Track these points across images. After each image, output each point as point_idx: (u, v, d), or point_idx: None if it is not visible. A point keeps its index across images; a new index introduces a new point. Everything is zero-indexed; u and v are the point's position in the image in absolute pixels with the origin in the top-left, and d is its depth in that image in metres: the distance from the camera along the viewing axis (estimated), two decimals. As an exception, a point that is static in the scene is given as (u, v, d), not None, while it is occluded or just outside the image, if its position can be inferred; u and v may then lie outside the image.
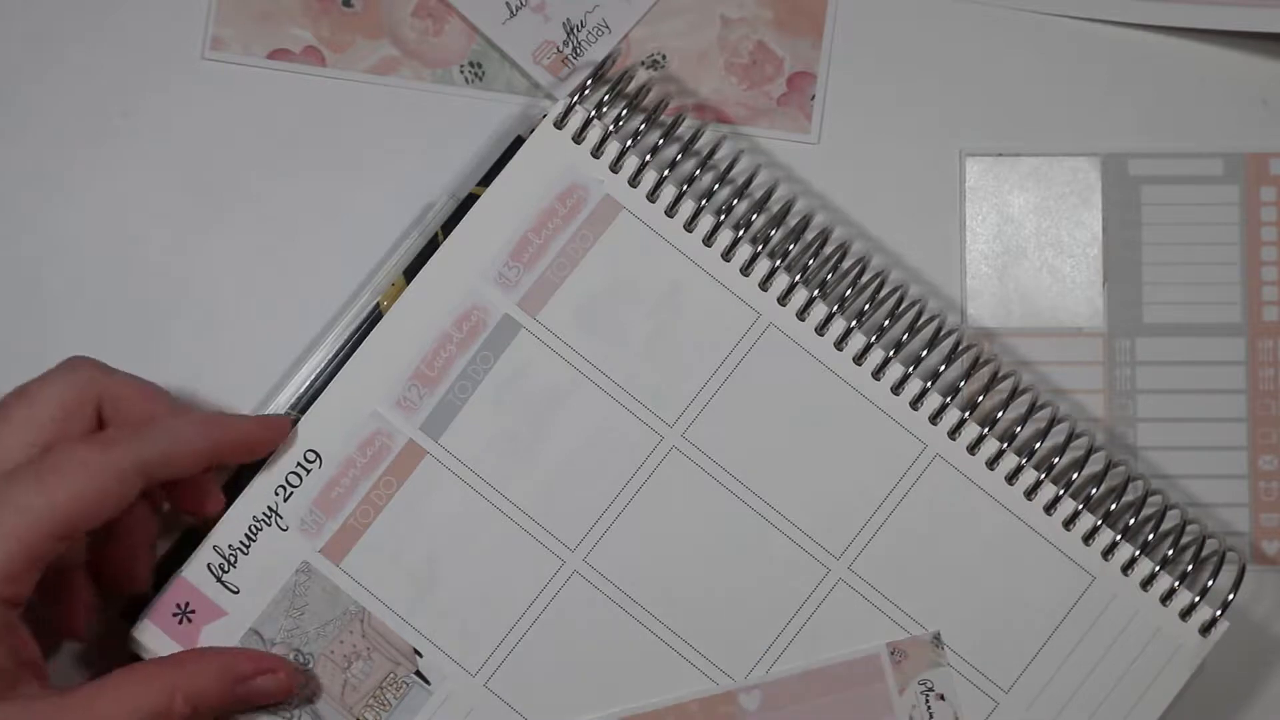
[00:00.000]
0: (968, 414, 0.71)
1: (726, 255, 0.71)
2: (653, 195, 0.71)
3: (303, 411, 0.71)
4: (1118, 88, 0.75)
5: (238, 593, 0.70)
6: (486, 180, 0.72)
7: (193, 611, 0.69)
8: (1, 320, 0.73)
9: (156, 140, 0.74)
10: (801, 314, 0.71)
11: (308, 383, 0.71)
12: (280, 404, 0.71)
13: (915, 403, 0.71)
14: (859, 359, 0.71)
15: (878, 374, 0.71)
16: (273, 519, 0.70)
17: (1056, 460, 0.71)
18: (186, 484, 0.69)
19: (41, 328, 0.73)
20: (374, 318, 0.71)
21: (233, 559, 0.70)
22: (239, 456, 0.70)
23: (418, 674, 0.70)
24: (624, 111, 0.72)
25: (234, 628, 0.69)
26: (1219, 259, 0.75)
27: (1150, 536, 0.70)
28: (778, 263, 0.71)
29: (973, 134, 0.75)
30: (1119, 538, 0.70)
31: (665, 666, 0.70)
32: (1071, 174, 0.75)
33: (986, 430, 0.71)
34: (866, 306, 0.72)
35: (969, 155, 0.75)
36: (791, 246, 0.72)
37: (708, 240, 0.71)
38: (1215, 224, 0.75)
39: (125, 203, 0.74)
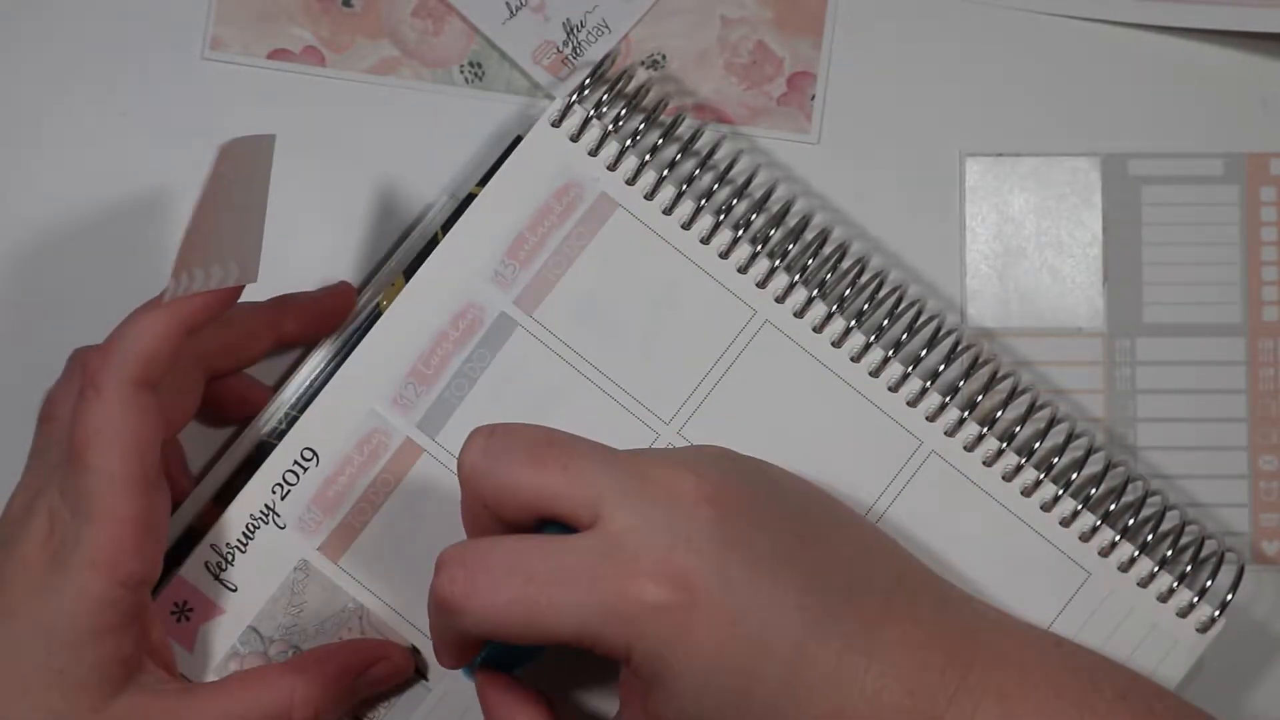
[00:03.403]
0: (967, 413, 0.71)
1: (724, 254, 0.71)
2: (650, 194, 0.71)
3: (302, 411, 0.71)
4: (1118, 88, 0.75)
5: (236, 590, 0.70)
6: (485, 180, 0.72)
7: (190, 610, 0.69)
8: (0, 319, 0.74)
9: (156, 140, 0.74)
10: (800, 313, 0.71)
11: (308, 382, 0.71)
12: (281, 403, 0.71)
13: (913, 401, 0.71)
14: (857, 358, 0.71)
15: (876, 373, 0.71)
16: (270, 517, 0.70)
17: (1056, 460, 0.71)
18: (227, 385, 0.71)
19: (40, 327, 0.73)
20: (374, 317, 0.71)
21: (230, 557, 0.70)
22: (306, 330, 0.71)
23: (415, 671, 0.70)
24: (623, 111, 0.72)
25: (232, 625, 0.69)
26: (1219, 259, 0.75)
27: (1150, 537, 0.70)
28: (776, 262, 0.71)
29: (973, 134, 0.75)
30: (1118, 537, 0.70)
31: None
32: (1071, 174, 0.75)
33: (986, 430, 0.71)
34: (866, 306, 0.72)
35: (969, 155, 0.75)
36: (791, 246, 0.72)
37: (705, 239, 0.71)
38: (1215, 224, 0.75)
39: (125, 202, 0.74)
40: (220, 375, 0.70)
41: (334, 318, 0.72)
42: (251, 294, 0.65)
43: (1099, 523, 0.70)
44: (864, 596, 0.61)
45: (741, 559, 0.59)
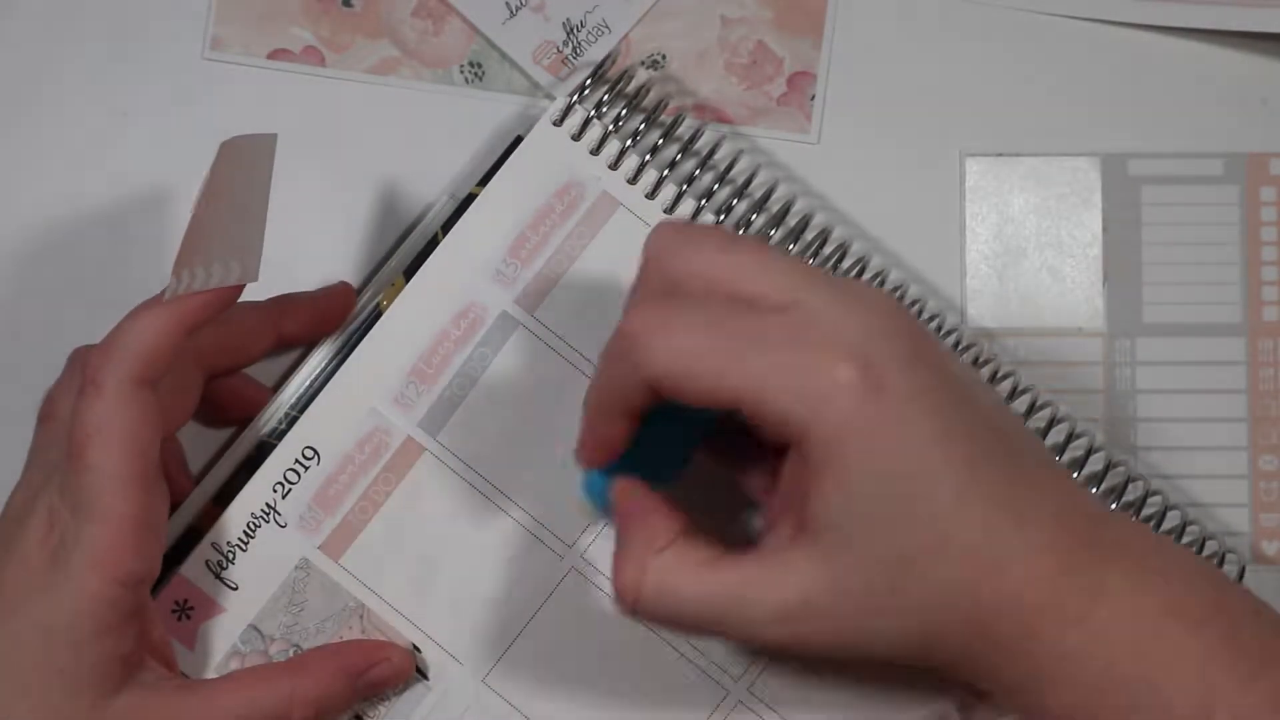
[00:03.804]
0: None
1: (725, 253, 0.71)
2: (651, 193, 0.71)
3: (302, 411, 0.71)
4: (1118, 88, 0.75)
5: (236, 589, 0.70)
6: (486, 180, 0.72)
7: (191, 608, 0.69)
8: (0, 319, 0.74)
9: (156, 140, 0.74)
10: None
11: (309, 382, 0.71)
12: (281, 403, 0.71)
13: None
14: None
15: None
16: (271, 516, 0.70)
17: (1056, 460, 0.71)
18: (227, 386, 0.71)
19: (39, 327, 0.73)
20: (374, 317, 0.71)
21: (231, 556, 0.70)
22: (305, 330, 0.71)
23: (416, 670, 0.70)
24: (623, 111, 0.72)
25: (233, 624, 0.69)
26: (1219, 259, 0.75)
27: (1150, 537, 0.70)
28: (777, 261, 0.71)
29: (973, 134, 0.75)
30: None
31: (665, 664, 0.70)
32: (1071, 174, 0.75)
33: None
34: (866, 306, 0.72)
35: (969, 155, 0.75)
36: (791, 246, 0.72)
37: (706, 237, 0.71)
38: (1215, 224, 0.75)
39: (125, 202, 0.74)
40: (219, 375, 0.70)
41: (334, 318, 0.72)
42: (251, 294, 0.65)
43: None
44: (1018, 466, 0.60)
45: (929, 374, 0.58)
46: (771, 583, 0.59)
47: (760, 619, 0.60)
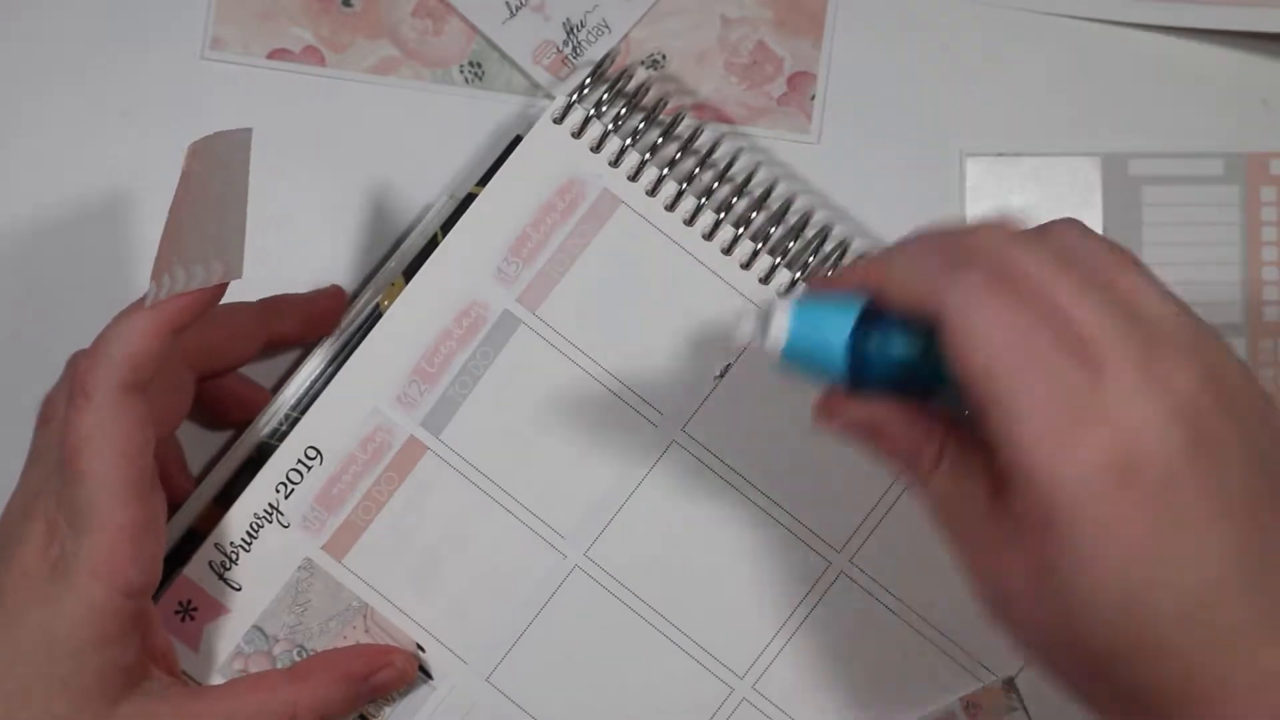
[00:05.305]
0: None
1: (727, 250, 0.71)
2: (652, 191, 0.71)
3: (304, 411, 0.71)
4: (1118, 88, 0.75)
5: (240, 590, 0.70)
6: (486, 180, 0.72)
7: (195, 609, 0.69)
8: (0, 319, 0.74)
9: (156, 140, 0.74)
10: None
11: (308, 384, 0.71)
12: (281, 405, 0.71)
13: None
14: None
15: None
16: (274, 516, 0.70)
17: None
18: (225, 387, 0.71)
19: (40, 327, 0.73)
20: (374, 318, 0.71)
21: (234, 556, 0.70)
22: (297, 331, 0.71)
23: (421, 669, 0.70)
24: (623, 110, 0.72)
25: (237, 625, 0.69)
26: (1219, 259, 0.75)
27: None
28: (778, 259, 0.71)
29: (973, 134, 0.75)
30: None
31: (667, 662, 0.70)
32: (1071, 174, 0.75)
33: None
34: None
35: (969, 155, 0.75)
36: (791, 244, 0.72)
37: (708, 235, 0.71)
38: (1215, 224, 0.75)
39: (125, 202, 0.74)
40: (211, 375, 0.70)
41: (325, 320, 0.72)
42: (249, 294, 0.66)
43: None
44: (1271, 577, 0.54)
45: (1207, 465, 0.53)
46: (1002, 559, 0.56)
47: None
